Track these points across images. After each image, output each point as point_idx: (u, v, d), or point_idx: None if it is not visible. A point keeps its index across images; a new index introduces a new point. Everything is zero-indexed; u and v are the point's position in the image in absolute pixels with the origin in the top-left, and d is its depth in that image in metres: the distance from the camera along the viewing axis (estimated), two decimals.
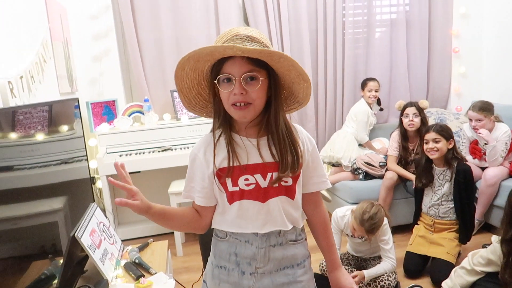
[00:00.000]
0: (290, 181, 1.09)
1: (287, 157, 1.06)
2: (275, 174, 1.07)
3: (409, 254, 2.47)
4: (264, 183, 1.07)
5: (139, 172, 2.97)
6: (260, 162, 1.07)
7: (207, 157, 1.10)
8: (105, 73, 3.26)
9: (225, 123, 1.09)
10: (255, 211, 1.09)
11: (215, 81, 1.04)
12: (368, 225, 2.13)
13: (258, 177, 1.07)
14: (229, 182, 1.08)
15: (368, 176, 3.08)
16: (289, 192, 1.10)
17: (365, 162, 3.09)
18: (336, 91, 3.67)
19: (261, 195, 1.08)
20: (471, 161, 2.98)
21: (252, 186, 1.08)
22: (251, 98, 1.02)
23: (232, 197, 1.09)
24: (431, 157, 2.44)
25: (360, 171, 3.09)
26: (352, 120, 3.39)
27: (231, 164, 1.06)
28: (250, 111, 1.04)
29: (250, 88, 1.01)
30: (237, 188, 1.08)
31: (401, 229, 2.89)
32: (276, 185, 1.08)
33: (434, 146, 2.40)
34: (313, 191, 1.17)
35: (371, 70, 3.72)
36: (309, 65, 3.52)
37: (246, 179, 1.07)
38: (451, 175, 2.43)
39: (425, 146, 2.46)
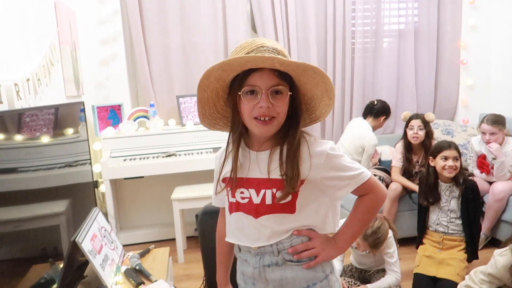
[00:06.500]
0: (288, 198, 1.04)
1: (292, 174, 1.01)
2: (268, 192, 1.04)
3: (418, 276, 2.35)
4: (256, 199, 1.06)
5: (142, 177, 2.96)
6: (259, 177, 1.06)
7: (220, 163, 1.15)
8: (112, 78, 3.27)
9: (240, 136, 1.08)
10: (248, 225, 1.08)
11: (240, 93, 1.01)
12: (372, 240, 2.09)
13: (252, 192, 1.07)
14: (230, 193, 1.11)
15: (386, 187, 2.91)
16: (288, 208, 1.05)
17: (377, 169, 3.05)
18: (344, 101, 3.64)
19: (253, 210, 1.07)
20: (478, 175, 2.95)
21: (246, 200, 1.08)
22: (276, 112, 1.00)
23: (231, 208, 1.12)
24: (448, 175, 2.33)
25: (380, 179, 2.96)
26: (354, 152, 3.08)
27: (232, 176, 1.09)
28: (274, 126, 1.02)
29: (276, 102, 1.00)
30: (234, 200, 1.10)
31: (407, 242, 2.84)
32: (270, 202, 1.04)
33: (454, 165, 2.31)
34: (346, 195, 1.11)
35: (378, 80, 3.71)
36: None
37: (242, 192, 1.08)
38: (459, 191, 2.36)
39: (441, 163, 2.33)
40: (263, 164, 1.06)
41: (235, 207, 1.10)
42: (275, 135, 1.05)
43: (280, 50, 1.01)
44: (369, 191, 1.11)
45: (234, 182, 1.08)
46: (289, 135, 1.04)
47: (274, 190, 1.04)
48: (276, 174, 1.04)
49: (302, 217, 1.07)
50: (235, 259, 1.22)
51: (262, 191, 1.05)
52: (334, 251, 1.12)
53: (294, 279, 1.07)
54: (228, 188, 1.11)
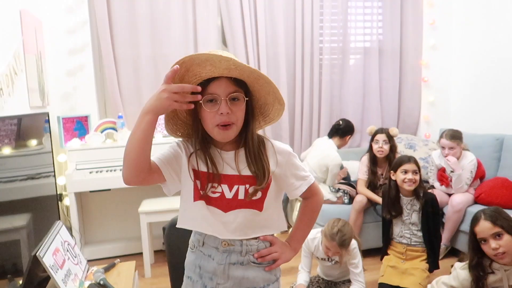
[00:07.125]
0: (259, 195, 1.13)
1: (261, 170, 1.11)
2: (241, 188, 1.11)
3: (382, 286, 2.43)
4: (229, 194, 1.12)
5: (109, 190, 2.90)
6: (232, 174, 1.12)
7: (189, 149, 1.16)
8: (79, 88, 3.21)
9: (204, 140, 1.14)
10: (216, 218, 1.13)
11: (201, 101, 1.07)
12: (339, 238, 2.14)
13: (225, 187, 1.12)
14: (198, 184, 1.13)
15: (351, 199, 3.03)
16: (257, 205, 1.13)
17: (341, 183, 3.12)
18: (313, 116, 3.72)
19: (224, 205, 1.13)
20: (438, 187, 3.07)
21: (217, 195, 1.13)
22: (235, 118, 1.08)
23: (197, 196, 1.14)
24: (407, 188, 2.41)
25: (344, 192, 3.07)
26: (319, 170, 3.13)
27: (204, 170, 1.11)
28: (233, 131, 1.10)
29: (234, 108, 1.07)
30: (203, 193, 1.13)
31: (372, 253, 2.91)
32: (242, 197, 1.12)
33: (413, 178, 2.40)
34: (301, 193, 1.20)
35: (345, 96, 3.83)
36: (285, 88, 3.58)
37: (213, 187, 1.12)
38: (419, 205, 2.44)
39: (401, 176, 2.42)
40: (231, 162, 1.13)
41: (206, 200, 1.13)
42: (236, 138, 1.13)
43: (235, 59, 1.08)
44: (314, 193, 1.25)
45: (208, 178, 1.11)
46: (247, 137, 1.12)
47: (247, 186, 1.11)
48: (247, 171, 1.11)
49: (267, 216, 1.16)
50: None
51: (235, 187, 1.12)
52: (290, 253, 1.24)
53: (254, 278, 1.16)
54: (198, 181, 1.13)
